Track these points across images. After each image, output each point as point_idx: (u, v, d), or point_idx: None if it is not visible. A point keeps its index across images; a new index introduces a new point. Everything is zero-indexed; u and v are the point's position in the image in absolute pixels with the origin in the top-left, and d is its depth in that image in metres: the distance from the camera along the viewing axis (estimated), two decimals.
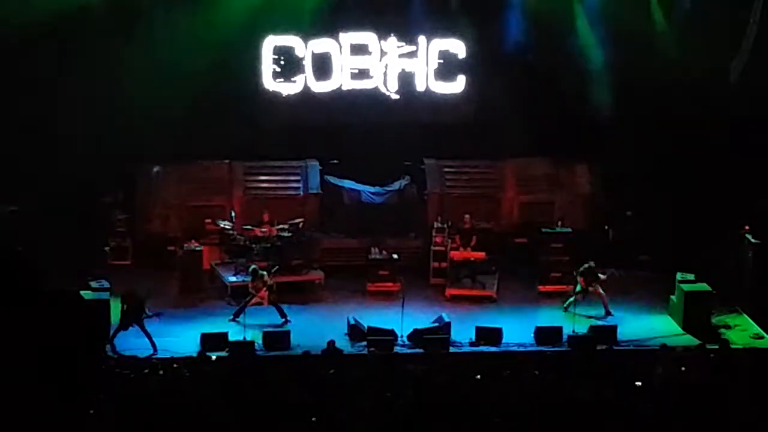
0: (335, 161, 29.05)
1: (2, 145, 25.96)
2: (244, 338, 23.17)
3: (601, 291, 25.24)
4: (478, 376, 19.22)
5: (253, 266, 25.13)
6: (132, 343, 22.87)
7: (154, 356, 22.25)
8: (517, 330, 24.15)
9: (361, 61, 29.19)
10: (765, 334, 24.38)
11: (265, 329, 23.80)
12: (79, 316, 21.26)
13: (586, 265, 25.25)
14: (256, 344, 23.09)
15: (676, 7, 28.72)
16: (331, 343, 21.90)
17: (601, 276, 25.28)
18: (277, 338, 23.38)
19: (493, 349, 23.35)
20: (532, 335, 23.88)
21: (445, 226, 27.53)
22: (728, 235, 27.10)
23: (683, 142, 28.13)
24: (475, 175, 29.71)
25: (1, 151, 25.91)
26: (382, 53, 29.18)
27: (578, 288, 25.15)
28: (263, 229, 26.86)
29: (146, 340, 22.86)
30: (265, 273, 24.81)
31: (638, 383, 18.87)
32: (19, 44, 26.15)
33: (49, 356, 14.15)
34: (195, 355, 21.57)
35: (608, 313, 25.23)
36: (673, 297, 25.37)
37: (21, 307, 14.81)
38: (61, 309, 14.65)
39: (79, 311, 19.58)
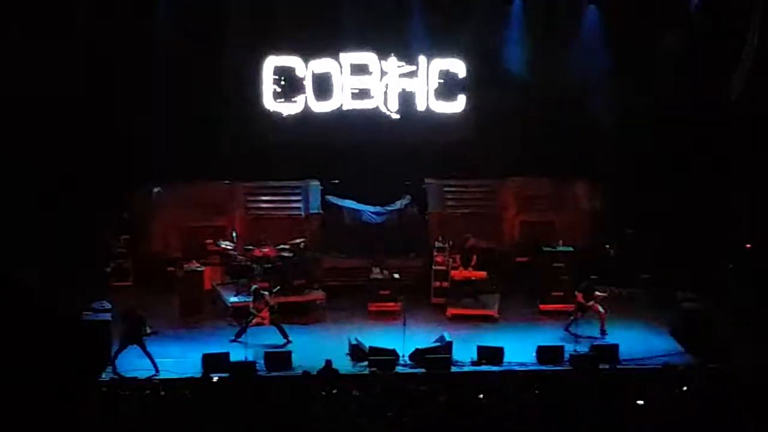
0: (336, 181, 29.10)
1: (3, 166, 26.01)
2: (246, 359, 23.12)
3: (600, 309, 25.24)
4: (480, 396, 19.20)
5: (254, 286, 25.12)
6: (134, 364, 22.82)
7: (155, 377, 22.21)
8: (519, 349, 24.08)
9: (361, 81, 29.29)
10: None
11: (267, 350, 23.75)
12: (78, 339, 21.36)
13: (585, 282, 25.27)
14: (257, 365, 23.05)
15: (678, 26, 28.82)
16: (329, 363, 21.91)
17: (600, 294, 25.27)
18: (278, 359, 23.33)
19: (494, 368, 23.31)
20: (534, 354, 23.84)
21: (446, 245, 27.52)
22: (730, 253, 27.11)
23: (684, 160, 28.17)
24: (476, 194, 29.76)
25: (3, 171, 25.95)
26: (383, 73, 29.28)
27: (577, 305, 25.16)
28: (264, 250, 26.87)
29: (148, 361, 22.82)
30: (266, 293, 24.79)
31: (640, 402, 18.84)
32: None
33: (46, 378, 14.17)
34: (197, 376, 21.54)
35: (603, 333, 25.20)
36: (674, 315, 25.34)
37: (19, 329, 14.88)
38: (59, 332, 14.65)
39: (77, 335, 19.63)
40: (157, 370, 22.61)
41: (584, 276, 25.51)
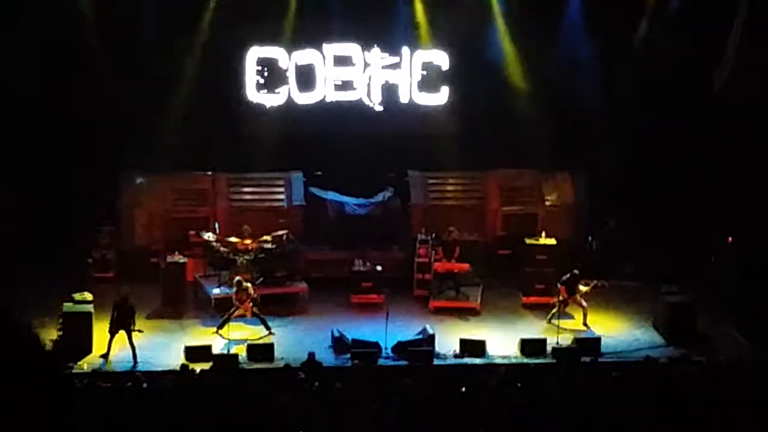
0: (319, 173, 29.01)
1: None
2: (228, 351, 23.09)
3: (582, 302, 25.26)
4: (463, 389, 19.18)
5: (237, 278, 25.05)
6: (114, 356, 22.79)
7: (134, 369, 22.19)
8: (502, 342, 24.12)
9: (344, 73, 29.18)
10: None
11: (249, 342, 23.71)
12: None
13: (568, 274, 25.27)
14: (239, 357, 23.00)
15: (661, 16, 28.78)
16: (312, 355, 21.89)
17: (583, 287, 25.29)
18: (260, 351, 23.31)
19: (477, 361, 23.33)
20: (517, 347, 23.86)
21: (429, 237, 27.47)
22: (713, 245, 27.16)
23: (667, 152, 28.22)
24: (459, 186, 29.70)
25: None
26: (366, 64, 29.17)
27: (560, 297, 25.16)
28: (247, 241, 26.80)
29: (127, 352, 22.76)
30: (249, 285, 24.73)
31: (621, 395, 18.83)
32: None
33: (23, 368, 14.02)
34: (178, 367, 21.49)
35: (585, 326, 25.23)
36: (657, 308, 25.37)
37: None
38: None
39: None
40: (135, 362, 22.61)
41: (567, 269, 25.51)
